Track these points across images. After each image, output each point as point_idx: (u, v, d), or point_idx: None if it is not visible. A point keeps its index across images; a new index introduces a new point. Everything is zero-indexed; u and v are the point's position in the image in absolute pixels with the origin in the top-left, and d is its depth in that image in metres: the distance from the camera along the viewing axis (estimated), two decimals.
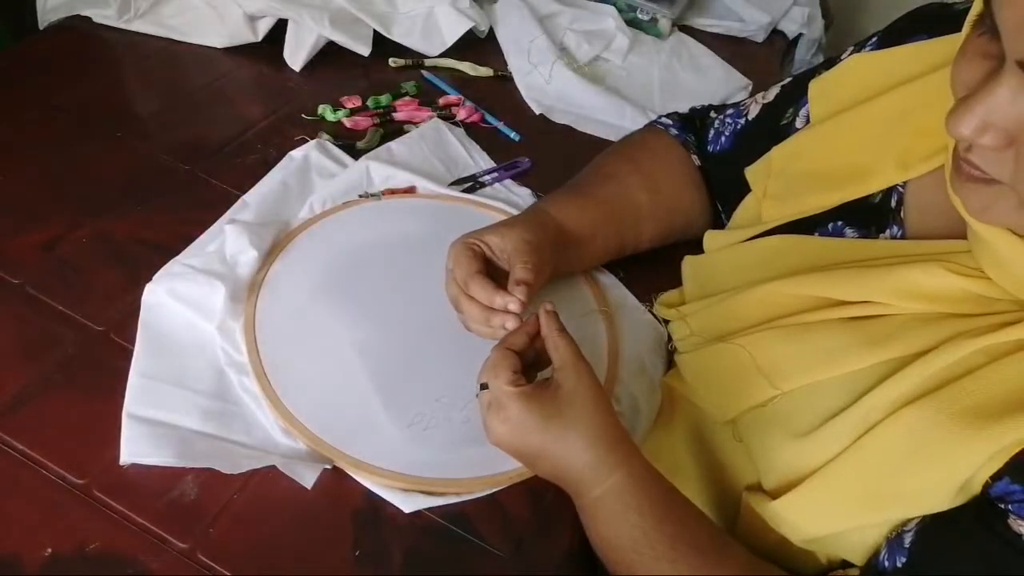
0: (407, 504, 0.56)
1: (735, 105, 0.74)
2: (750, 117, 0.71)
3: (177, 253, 0.68)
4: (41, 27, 0.98)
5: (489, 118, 0.94)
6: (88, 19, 0.96)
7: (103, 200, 0.74)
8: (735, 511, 0.59)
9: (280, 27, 0.95)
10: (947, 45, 0.54)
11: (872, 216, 0.56)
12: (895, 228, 0.55)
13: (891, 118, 0.55)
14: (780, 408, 0.54)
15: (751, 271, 0.60)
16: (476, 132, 0.92)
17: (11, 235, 0.69)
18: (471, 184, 0.83)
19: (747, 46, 1.26)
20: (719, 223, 0.76)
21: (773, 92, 0.70)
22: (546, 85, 1.01)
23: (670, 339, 0.71)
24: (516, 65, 1.04)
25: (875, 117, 0.56)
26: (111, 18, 0.95)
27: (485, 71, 1.02)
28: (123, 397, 0.58)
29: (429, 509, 0.56)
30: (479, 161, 0.87)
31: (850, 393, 0.51)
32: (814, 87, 0.62)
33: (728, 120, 0.73)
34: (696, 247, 0.70)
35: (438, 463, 0.58)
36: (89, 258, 0.69)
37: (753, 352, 0.56)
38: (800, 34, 1.32)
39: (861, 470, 0.49)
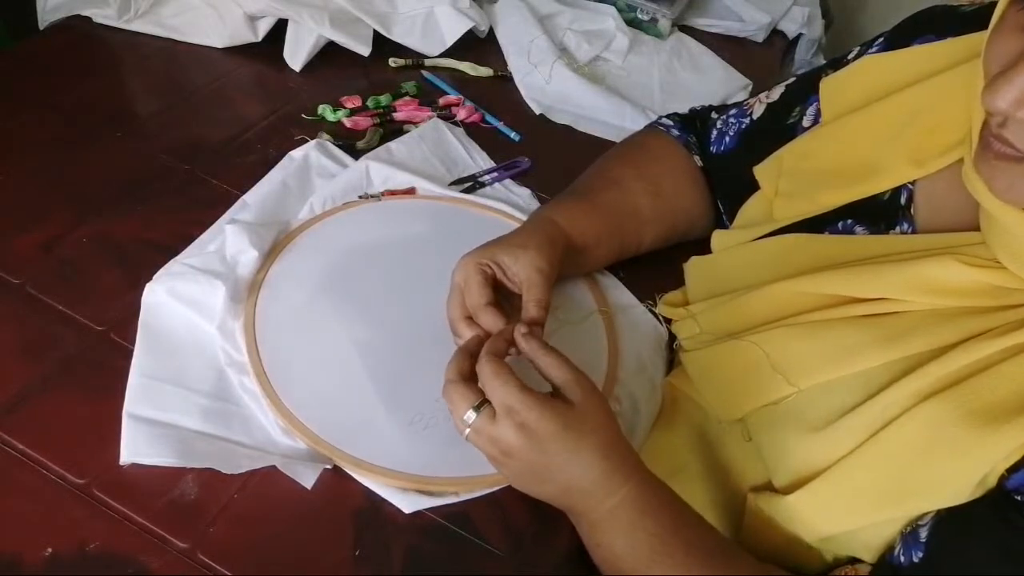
0: (407, 504, 0.56)
1: (737, 105, 0.74)
2: (755, 116, 0.71)
3: (177, 253, 0.68)
4: (41, 27, 0.98)
5: (489, 118, 0.94)
6: (88, 19, 0.96)
7: (103, 200, 0.74)
8: (739, 512, 0.58)
9: (280, 27, 0.95)
10: (959, 45, 0.54)
11: (882, 214, 0.56)
12: (905, 225, 0.55)
13: (903, 116, 0.55)
14: (794, 405, 0.54)
15: (761, 270, 0.60)
16: (476, 132, 0.92)
17: (11, 235, 0.69)
18: (471, 184, 0.83)
19: (747, 46, 1.26)
20: (721, 224, 0.77)
21: (777, 92, 0.70)
22: (546, 85, 1.01)
23: (673, 339, 0.71)
24: (516, 65, 1.04)
25: (887, 115, 0.56)
26: (111, 18, 0.95)
27: (485, 71, 1.02)
28: (123, 397, 0.58)
29: (429, 509, 0.56)
30: (479, 161, 0.87)
31: (866, 389, 0.51)
32: (825, 86, 0.62)
33: (731, 120, 0.73)
34: (696, 248, 0.70)
35: (438, 462, 0.58)
36: (89, 258, 0.69)
37: (767, 349, 0.56)
38: (800, 34, 1.32)
39: (878, 464, 0.49)
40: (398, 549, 0.54)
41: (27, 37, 0.96)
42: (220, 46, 0.96)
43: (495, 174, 0.85)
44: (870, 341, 0.51)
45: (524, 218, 0.78)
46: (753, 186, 0.66)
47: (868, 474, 0.49)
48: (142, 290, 0.64)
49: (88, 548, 0.51)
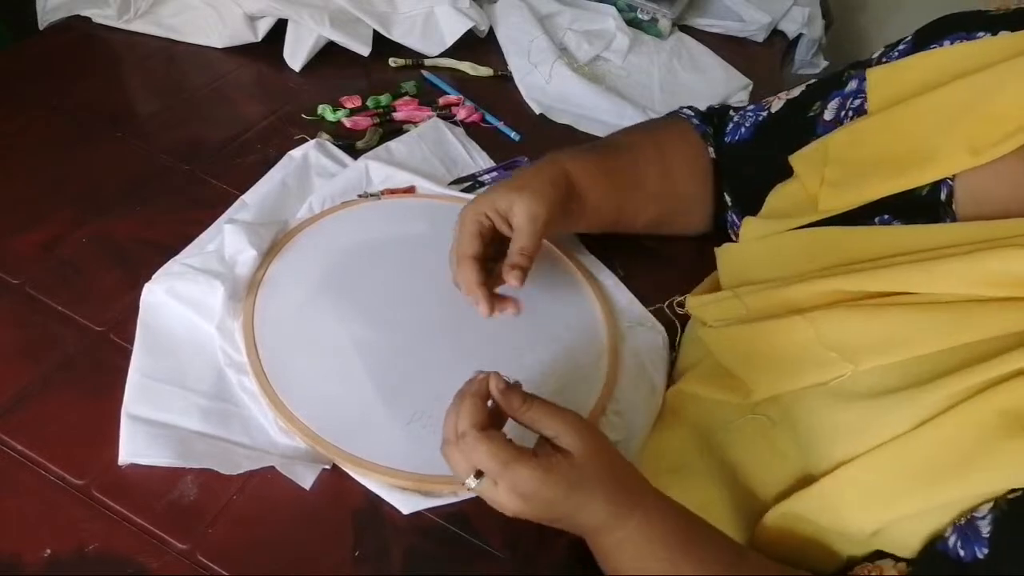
0: (406, 505, 0.56)
1: (755, 103, 0.75)
2: (773, 111, 0.72)
3: (177, 253, 0.68)
4: (41, 27, 0.98)
5: (489, 118, 0.94)
6: (88, 19, 0.96)
7: (103, 200, 0.74)
8: (748, 509, 0.58)
9: (280, 27, 0.95)
10: (1019, 40, 0.54)
11: (921, 210, 0.55)
12: (947, 220, 0.54)
13: (962, 104, 0.54)
14: (846, 385, 0.53)
15: (802, 259, 0.59)
16: (476, 132, 0.92)
17: (11, 235, 0.69)
18: (471, 183, 0.83)
19: (747, 46, 1.26)
20: (718, 219, 0.77)
21: (798, 90, 0.71)
22: (546, 85, 1.01)
23: (673, 342, 0.71)
24: (516, 65, 1.04)
25: (944, 103, 0.55)
26: (111, 18, 0.95)
27: (485, 71, 1.02)
28: (123, 397, 0.58)
29: (428, 509, 0.56)
30: (479, 161, 0.87)
31: (930, 373, 0.49)
32: (873, 76, 0.61)
33: (749, 114, 0.74)
34: (695, 247, 0.70)
35: (438, 460, 0.57)
36: (89, 258, 0.68)
37: (820, 327, 0.54)
38: (800, 34, 1.32)
39: (935, 445, 0.48)
40: (398, 550, 0.54)
41: (27, 37, 0.95)
42: (220, 46, 0.96)
43: (495, 173, 0.85)
44: (936, 324, 0.50)
45: None
46: (762, 176, 0.66)
47: (924, 454, 0.48)
48: (142, 290, 0.64)
49: (87, 549, 0.51)
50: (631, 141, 0.75)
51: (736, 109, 0.77)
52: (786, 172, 0.65)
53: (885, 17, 1.78)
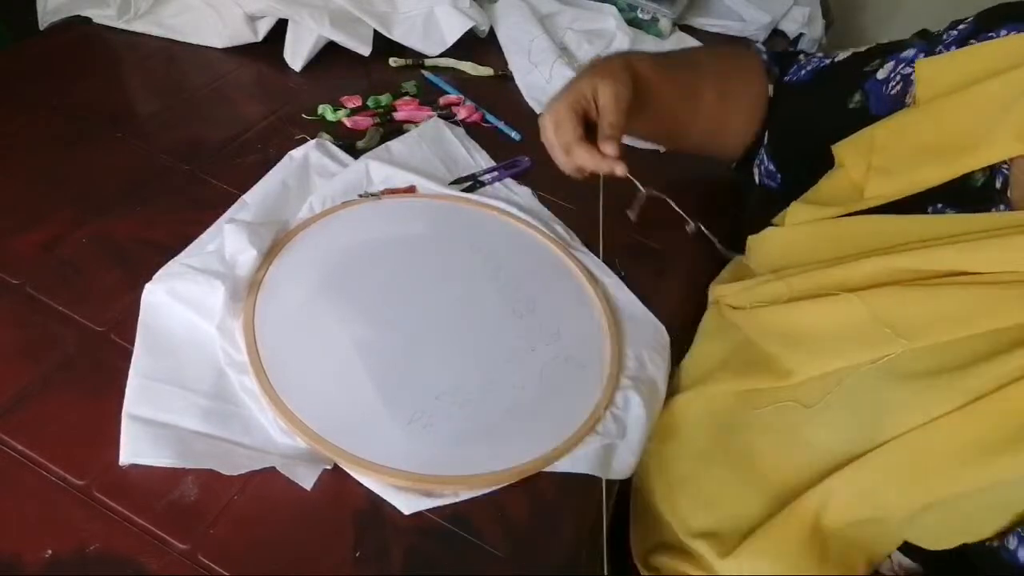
0: (406, 505, 0.56)
1: (824, 52, 0.78)
2: (837, 60, 0.74)
3: (177, 253, 0.68)
4: (42, 27, 0.98)
5: (490, 117, 0.94)
6: (88, 19, 0.96)
7: (103, 200, 0.74)
8: (772, 499, 0.57)
9: (280, 27, 0.95)
10: None
11: (975, 199, 0.55)
12: (1002, 207, 0.54)
13: (1012, 93, 0.55)
14: (897, 363, 0.52)
15: (853, 245, 0.59)
16: (477, 132, 0.92)
17: (11, 235, 0.69)
18: (471, 183, 0.83)
19: (748, 46, 1.26)
20: (749, 152, 0.79)
21: (866, 46, 0.72)
22: (547, 84, 1.01)
23: (674, 342, 0.70)
24: (517, 64, 1.04)
25: (995, 92, 0.56)
26: (111, 18, 0.95)
27: (486, 71, 1.02)
28: (123, 397, 0.57)
29: (429, 510, 0.56)
30: (479, 160, 0.87)
31: (981, 352, 0.49)
32: (921, 68, 0.62)
33: (814, 59, 0.77)
34: (694, 244, 0.70)
35: (438, 460, 0.58)
36: (89, 258, 0.68)
37: (874, 305, 0.54)
38: (800, 34, 1.32)
39: (993, 420, 0.48)
40: (398, 550, 0.54)
41: (27, 37, 0.96)
42: (220, 46, 0.96)
43: (495, 173, 0.85)
44: (993, 304, 0.50)
45: (525, 217, 0.79)
46: (800, 120, 0.69)
47: (974, 433, 0.48)
48: (142, 290, 0.64)
49: (88, 549, 0.51)
50: (696, 59, 0.79)
51: (806, 54, 0.79)
52: (824, 125, 0.67)
53: (885, 17, 1.78)
